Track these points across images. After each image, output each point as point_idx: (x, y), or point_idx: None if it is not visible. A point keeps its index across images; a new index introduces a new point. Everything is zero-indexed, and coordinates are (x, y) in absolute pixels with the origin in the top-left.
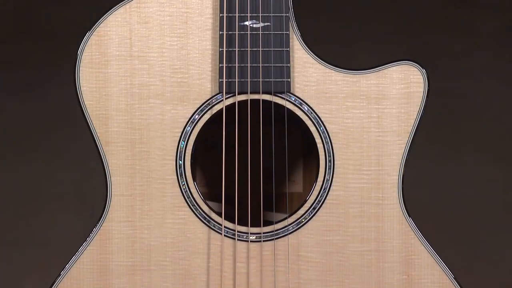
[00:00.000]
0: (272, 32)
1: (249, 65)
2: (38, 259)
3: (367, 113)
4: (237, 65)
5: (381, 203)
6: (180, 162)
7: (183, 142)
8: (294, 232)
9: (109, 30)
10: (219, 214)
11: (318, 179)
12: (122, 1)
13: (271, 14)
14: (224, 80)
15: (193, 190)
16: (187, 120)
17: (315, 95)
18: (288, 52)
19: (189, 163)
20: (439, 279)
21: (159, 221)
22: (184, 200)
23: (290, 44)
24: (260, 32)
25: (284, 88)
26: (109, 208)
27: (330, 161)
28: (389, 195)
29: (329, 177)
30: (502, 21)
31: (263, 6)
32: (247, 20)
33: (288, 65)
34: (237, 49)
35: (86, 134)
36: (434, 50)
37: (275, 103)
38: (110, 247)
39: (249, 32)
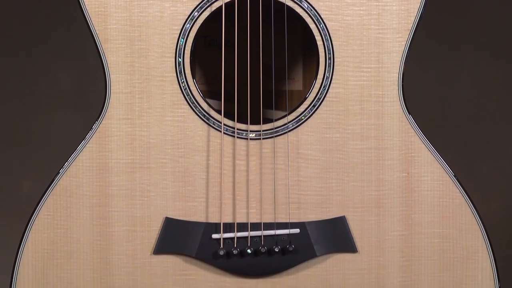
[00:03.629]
0: None
1: None
2: (37, 158)
3: (367, 10)
4: None
5: (381, 100)
6: (180, 59)
7: (182, 40)
8: (294, 130)
9: None
10: (219, 112)
11: (318, 76)
12: None
13: None
14: None
15: (193, 88)
16: (186, 17)
17: None
18: None
19: (189, 61)
20: (439, 177)
21: (158, 119)
22: (183, 98)
23: None
24: None
25: None
26: (108, 106)
27: (330, 58)
28: (389, 93)
29: (329, 75)
30: None
31: None
32: None
33: None
34: None
35: (85, 32)
36: None
37: (275, 0)
38: (109, 145)
39: None
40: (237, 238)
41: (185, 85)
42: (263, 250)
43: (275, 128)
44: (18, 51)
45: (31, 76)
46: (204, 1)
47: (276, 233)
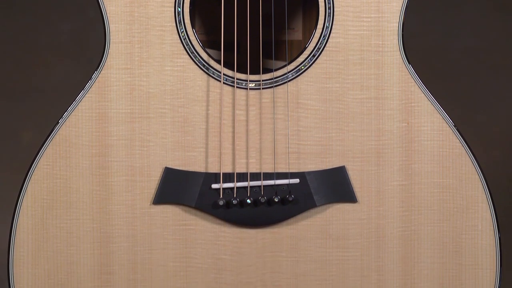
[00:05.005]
0: None
1: None
2: (37, 108)
3: None
4: None
5: (381, 50)
6: (179, 9)
7: None
8: (294, 80)
9: None
10: (218, 62)
11: (318, 26)
12: None
13: None
14: None
15: (192, 38)
16: None
17: None
18: None
19: (188, 10)
20: (439, 127)
21: (157, 69)
22: (183, 47)
23: None
24: None
25: None
26: (107, 56)
27: (329, 8)
28: (389, 42)
29: (329, 24)
30: None
31: None
32: None
33: None
34: None
35: None
36: None
37: None
38: (108, 95)
39: None
40: (237, 188)
41: (184, 34)
42: (262, 200)
43: (275, 78)
44: (17, 2)
45: (30, 27)
46: None
47: (275, 183)
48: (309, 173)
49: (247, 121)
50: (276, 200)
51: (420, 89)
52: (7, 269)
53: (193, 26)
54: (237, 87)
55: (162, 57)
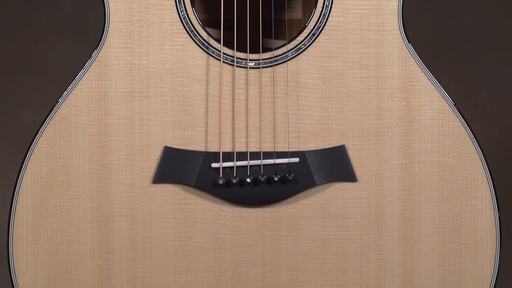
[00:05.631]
0: None
1: None
2: (37, 87)
3: None
4: None
5: (381, 29)
6: None
7: None
8: (293, 59)
9: None
10: (218, 41)
11: (318, 5)
12: None
13: None
14: None
15: (192, 17)
16: None
17: None
18: None
19: None
20: (439, 106)
21: (157, 48)
22: (182, 27)
23: None
24: None
25: None
26: (107, 35)
27: None
28: (389, 21)
29: (329, 3)
30: None
31: None
32: None
33: None
34: None
35: None
36: None
37: None
38: (108, 74)
39: None
40: (237, 167)
41: (184, 13)
42: (262, 179)
43: (275, 56)
44: None
45: (30, 4)
46: None
47: (275, 162)
48: (309, 152)
49: (247, 100)
50: (276, 179)
51: (420, 68)
52: (7, 248)
53: (192, 5)
54: (237, 66)
55: (161, 36)
